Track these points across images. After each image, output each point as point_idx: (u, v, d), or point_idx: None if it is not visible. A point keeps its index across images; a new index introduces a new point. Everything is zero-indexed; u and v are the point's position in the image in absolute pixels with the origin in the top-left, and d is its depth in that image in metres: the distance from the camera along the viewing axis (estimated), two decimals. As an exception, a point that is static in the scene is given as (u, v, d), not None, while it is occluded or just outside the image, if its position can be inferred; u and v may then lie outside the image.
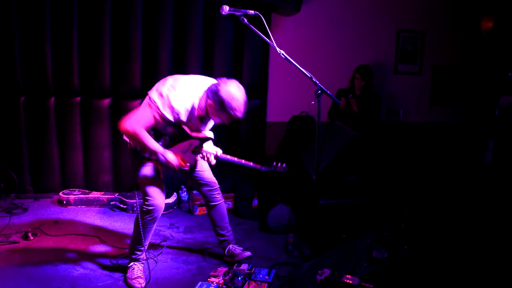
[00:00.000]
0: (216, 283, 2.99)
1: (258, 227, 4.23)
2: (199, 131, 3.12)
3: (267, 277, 3.07)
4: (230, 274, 3.08)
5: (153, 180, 3.05)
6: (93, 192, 4.77)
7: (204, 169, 3.38)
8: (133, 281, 3.05)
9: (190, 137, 3.02)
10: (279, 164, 3.27)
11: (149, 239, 3.18)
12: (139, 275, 3.09)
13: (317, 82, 3.07)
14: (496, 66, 5.74)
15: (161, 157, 2.87)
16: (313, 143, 4.15)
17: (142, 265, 3.17)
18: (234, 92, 2.87)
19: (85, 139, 4.88)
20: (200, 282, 3.00)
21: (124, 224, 4.18)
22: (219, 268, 3.22)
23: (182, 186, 4.73)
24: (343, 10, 5.55)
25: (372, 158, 4.37)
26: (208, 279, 3.06)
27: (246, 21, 3.06)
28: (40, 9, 4.51)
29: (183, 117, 2.85)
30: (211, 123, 3.21)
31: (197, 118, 2.98)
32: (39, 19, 4.53)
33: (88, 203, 4.64)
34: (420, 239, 3.46)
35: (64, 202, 4.60)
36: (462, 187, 4.91)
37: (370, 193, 3.98)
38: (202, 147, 3.17)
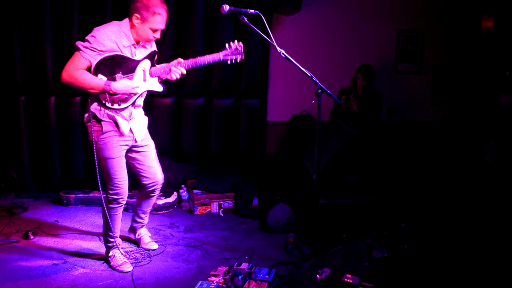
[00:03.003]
0: (216, 282, 2.99)
1: (259, 226, 4.23)
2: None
3: (267, 276, 3.07)
4: (230, 274, 3.07)
5: (117, 162, 3.11)
6: (94, 191, 4.76)
7: (150, 162, 3.35)
8: (120, 267, 3.21)
9: (134, 63, 3.05)
10: (232, 45, 3.20)
11: (119, 226, 3.32)
12: (123, 260, 3.25)
13: (317, 81, 3.07)
14: (496, 65, 5.74)
15: (107, 87, 2.91)
16: (313, 143, 4.15)
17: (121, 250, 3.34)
18: None
19: (85, 138, 4.87)
20: (201, 281, 2.99)
21: (124, 223, 4.17)
22: (219, 268, 3.21)
23: (182, 186, 4.73)
24: (344, 10, 5.55)
25: (372, 157, 4.37)
26: (208, 278, 3.06)
27: (246, 20, 3.06)
28: (40, 8, 4.51)
29: (109, 43, 2.92)
30: (145, 49, 3.16)
31: (129, 43, 3.02)
32: (39, 18, 4.53)
33: (89, 202, 4.64)
34: (420, 239, 3.46)
35: (64, 201, 4.60)
36: (462, 186, 4.91)
37: (371, 192, 3.98)
38: (154, 65, 3.17)
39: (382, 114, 5.15)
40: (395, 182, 4.43)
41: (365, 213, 3.78)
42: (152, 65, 3.17)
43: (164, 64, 3.19)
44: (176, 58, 3.23)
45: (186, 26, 4.82)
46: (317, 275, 2.67)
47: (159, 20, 2.95)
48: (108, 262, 3.31)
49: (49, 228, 3.97)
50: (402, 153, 5.41)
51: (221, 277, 3.06)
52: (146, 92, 3.22)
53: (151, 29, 2.97)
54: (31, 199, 4.69)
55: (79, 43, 2.93)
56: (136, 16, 2.94)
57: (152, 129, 4.19)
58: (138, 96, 3.13)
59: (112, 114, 3.03)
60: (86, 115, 3.09)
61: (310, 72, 3.09)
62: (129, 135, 3.14)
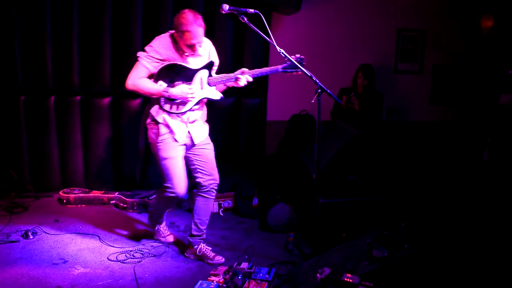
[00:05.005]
0: (216, 282, 2.99)
1: (259, 226, 4.23)
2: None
3: (267, 275, 3.07)
4: (230, 273, 3.08)
5: (173, 163, 3.29)
6: (93, 191, 4.77)
7: (207, 160, 3.47)
8: (166, 238, 3.80)
9: (192, 71, 3.25)
10: (292, 57, 3.15)
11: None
12: (168, 233, 3.84)
13: (317, 81, 3.07)
14: (496, 64, 5.74)
15: (165, 93, 3.14)
16: (313, 142, 4.15)
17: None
18: (181, 11, 3.12)
19: (85, 138, 4.88)
20: (201, 281, 2.99)
21: (124, 223, 4.18)
22: (219, 267, 3.22)
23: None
24: (343, 9, 5.56)
25: (372, 157, 4.37)
26: (208, 278, 3.06)
27: (246, 19, 3.07)
28: (40, 8, 4.51)
29: (165, 52, 3.18)
30: (201, 59, 3.35)
31: (179, 53, 3.22)
32: (40, 18, 4.54)
33: (88, 202, 4.64)
34: (420, 238, 3.46)
35: (64, 201, 4.60)
36: (462, 185, 4.91)
37: (371, 192, 3.98)
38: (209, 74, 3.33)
39: (382, 113, 5.15)
40: (395, 181, 4.43)
41: (365, 213, 3.78)
42: (210, 75, 3.31)
43: (224, 74, 3.31)
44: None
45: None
46: (317, 275, 2.67)
47: (190, 36, 3.10)
48: (153, 236, 3.83)
49: (49, 228, 3.97)
50: (402, 153, 5.41)
51: (221, 277, 3.06)
52: (206, 100, 3.40)
53: (186, 44, 3.15)
54: (31, 199, 4.70)
55: (139, 53, 3.21)
56: (175, 34, 3.18)
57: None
58: (196, 104, 3.29)
59: (169, 118, 3.25)
60: (148, 119, 3.32)
61: (309, 72, 3.09)
62: (187, 137, 3.34)
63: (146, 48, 3.19)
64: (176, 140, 3.27)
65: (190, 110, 3.28)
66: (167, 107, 3.22)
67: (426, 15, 5.80)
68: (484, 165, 5.12)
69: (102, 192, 4.76)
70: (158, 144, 3.27)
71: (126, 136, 4.92)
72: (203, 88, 3.30)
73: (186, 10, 3.09)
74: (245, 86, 3.30)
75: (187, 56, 3.24)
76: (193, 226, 3.48)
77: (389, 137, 5.52)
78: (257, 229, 4.16)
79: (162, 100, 3.20)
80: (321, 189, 3.77)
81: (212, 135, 5.16)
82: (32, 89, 4.71)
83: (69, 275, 3.15)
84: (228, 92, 5.09)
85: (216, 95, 3.36)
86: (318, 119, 3.11)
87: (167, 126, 3.25)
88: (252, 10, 3.07)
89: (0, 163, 4.70)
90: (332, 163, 3.87)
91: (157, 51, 3.16)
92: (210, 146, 3.53)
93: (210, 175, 3.45)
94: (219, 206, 4.55)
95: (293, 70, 3.19)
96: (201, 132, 3.43)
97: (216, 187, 3.50)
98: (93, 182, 4.96)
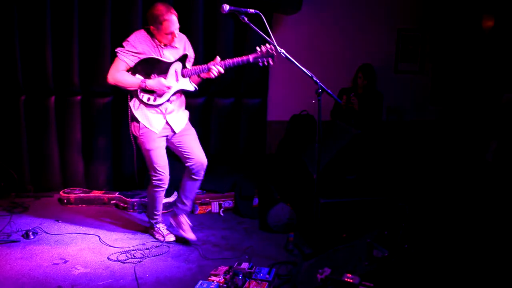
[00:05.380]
0: (216, 282, 2.99)
1: (259, 226, 4.23)
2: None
3: (267, 276, 3.07)
4: (230, 273, 3.08)
5: (155, 154, 3.55)
6: (94, 191, 4.77)
7: (190, 145, 3.67)
8: (166, 237, 3.80)
9: (166, 64, 3.47)
10: (263, 48, 3.29)
11: (161, 205, 3.85)
12: (167, 232, 3.85)
13: (318, 80, 3.07)
14: (498, 64, 5.73)
15: (142, 84, 3.38)
16: (313, 142, 4.16)
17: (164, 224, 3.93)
18: (153, 6, 3.34)
19: (86, 137, 4.88)
20: (201, 281, 3.00)
21: (125, 223, 4.18)
22: (219, 267, 3.22)
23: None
24: (344, 9, 5.55)
25: (372, 157, 4.37)
26: (209, 278, 3.06)
27: (246, 20, 3.07)
28: (40, 8, 4.51)
29: (140, 46, 3.41)
30: (177, 51, 3.55)
31: (155, 46, 3.45)
32: (40, 18, 4.53)
33: (89, 202, 4.64)
34: (421, 238, 3.46)
35: (65, 201, 4.60)
36: (463, 186, 4.91)
37: (371, 192, 3.98)
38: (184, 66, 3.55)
39: (382, 113, 5.15)
40: (395, 181, 4.43)
41: (365, 213, 3.78)
42: (184, 67, 3.53)
43: (198, 66, 3.49)
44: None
45: (186, 26, 4.81)
46: (318, 275, 2.67)
47: (169, 25, 3.32)
48: (152, 235, 3.88)
49: (49, 228, 3.97)
50: (402, 153, 5.41)
51: (222, 277, 3.06)
52: (181, 90, 3.62)
53: (166, 33, 3.35)
54: (31, 199, 4.70)
55: (117, 49, 3.43)
56: (152, 27, 3.37)
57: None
58: (173, 95, 3.51)
59: (147, 110, 3.48)
60: (129, 114, 3.53)
61: (310, 72, 3.09)
62: (166, 127, 3.56)
63: (124, 43, 3.42)
64: (155, 132, 3.50)
65: (167, 101, 3.51)
66: (145, 98, 3.45)
67: (427, 14, 5.79)
68: (487, 165, 5.11)
69: (103, 192, 4.76)
70: (140, 137, 3.53)
71: (126, 136, 4.90)
72: (178, 81, 3.52)
73: (157, 3, 3.34)
74: (218, 77, 3.47)
75: (163, 47, 3.47)
76: (179, 200, 3.81)
77: (390, 137, 5.52)
78: (258, 229, 4.16)
79: (140, 92, 3.44)
80: (321, 189, 3.77)
81: (212, 135, 5.20)
82: (32, 89, 4.71)
83: (69, 275, 3.15)
84: (228, 92, 5.15)
85: (191, 86, 3.58)
86: (318, 119, 3.11)
87: (146, 119, 3.48)
88: (252, 10, 3.07)
89: (0, 163, 4.70)
90: (333, 163, 3.87)
91: (133, 45, 3.39)
92: (192, 131, 3.73)
93: (196, 158, 3.64)
94: (220, 206, 4.55)
95: (265, 59, 3.32)
96: (180, 120, 3.64)
97: (203, 169, 3.70)
98: (94, 182, 4.96)
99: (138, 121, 3.49)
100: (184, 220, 3.80)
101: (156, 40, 3.44)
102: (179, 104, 3.65)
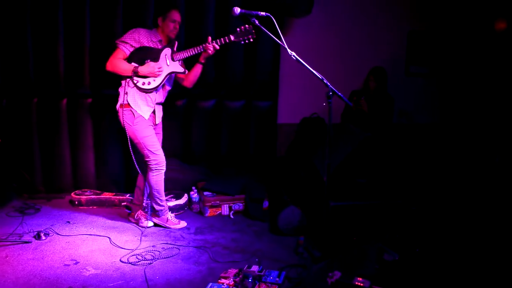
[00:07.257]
0: (226, 284, 2.99)
1: (269, 228, 4.23)
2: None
3: (277, 279, 3.06)
4: (240, 276, 3.08)
5: (151, 139, 3.88)
6: (105, 192, 4.79)
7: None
8: (178, 225, 4.10)
9: (157, 50, 3.87)
10: (242, 28, 3.70)
11: (163, 190, 4.05)
12: (177, 220, 4.14)
13: (328, 83, 3.06)
14: (510, 66, 5.67)
15: (135, 69, 3.74)
16: (324, 145, 4.15)
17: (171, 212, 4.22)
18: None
19: (97, 140, 4.92)
20: (211, 284, 3.00)
21: (135, 225, 4.19)
22: (229, 270, 3.22)
23: (193, 187, 4.74)
24: (354, 11, 5.54)
25: (383, 160, 4.35)
26: (219, 281, 3.06)
27: (257, 22, 3.08)
28: (52, 11, 4.56)
29: (138, 37, 3.82)
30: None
31: (159, 41, 3.92)
32: (52, 21, 4.58)
33: (100, 203, 4.67)
34: (432, 242, 3.43)
35: (76, 202, 4.63)
36: (474, 189, 4.87)
37: (381, 195, 3.96)
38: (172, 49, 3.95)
39: (393, 117, 5.12)
40: (405, 185, 4.40)
41: (376, 216, 3.75)
42: (173, 52, 3.91)
43: (189, 49, 3.86)
44: (186, 59, 3.96)
45: (197, 27, 4.83)
46: (328, 278, 2.66)
47: (174, 13, 3.89)
48: (160, 225, 4.10)
49: (61, 229, 4.00)
50: (413, 156, 5.37)
51: (232, 279, 3.06)
52: (169, 88, 4.06)
53: (171, 23, 3.86)
54: (43, 200, 4.74)
55: (117, 40, 3.85)
56: (160, 19, 3.90)
57: (164, 131, 4.24)
58: (164, 79, 3.88)
59: (139, 98, 3.81)
60: (119, 102, 3.84)
61: (321, 74, 3.09)
62: (152, 116, 3.93)
63: (125, 35, 3.84)
64: (148, 120, 3.86)
65: (156, 91, 3.87)
66: (140, 83, 3.79)
67: (438, 17, 5.76)
68: (497, 168, 5.07)
69: (114, 194, 4.78)
70: (134, 126, 3.82)
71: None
72: (169, 65, 3.89)
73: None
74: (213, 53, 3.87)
75: (160, 45, 3.90)
76: (146, 197, 4.16)
77: (400, 140, 5.49)
78: (267, 232, 4.15)
79: (135, 78, 3.78)
80: (332, 192, 3.76)
81: (223, 137, 5.21)
82: (44, 92, 4.76)
83: (80, 276, 3.16)
84: (239, 94, 5.14)
85: (180, 68, 3.98)
86: (329, 122, 3.10)
87: (136, 104, 3.81)
88: (263, 13, 3.08)
89: (13, 165, 4.74)
90: (343, 166, 3.85)
91: (132, 37, 3.81)
92: (161, 130, 4.18)
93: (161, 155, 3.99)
94: (230, 208, 4.55)
95: (245, 38, 3.70)
96: (161, 114, 4.08)
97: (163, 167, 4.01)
98: (105, 184, 4.99)
99: (130, 109, 3.80)
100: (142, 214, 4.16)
101: (158, 35, 3.91)
102: (162, 96, 4.03)
